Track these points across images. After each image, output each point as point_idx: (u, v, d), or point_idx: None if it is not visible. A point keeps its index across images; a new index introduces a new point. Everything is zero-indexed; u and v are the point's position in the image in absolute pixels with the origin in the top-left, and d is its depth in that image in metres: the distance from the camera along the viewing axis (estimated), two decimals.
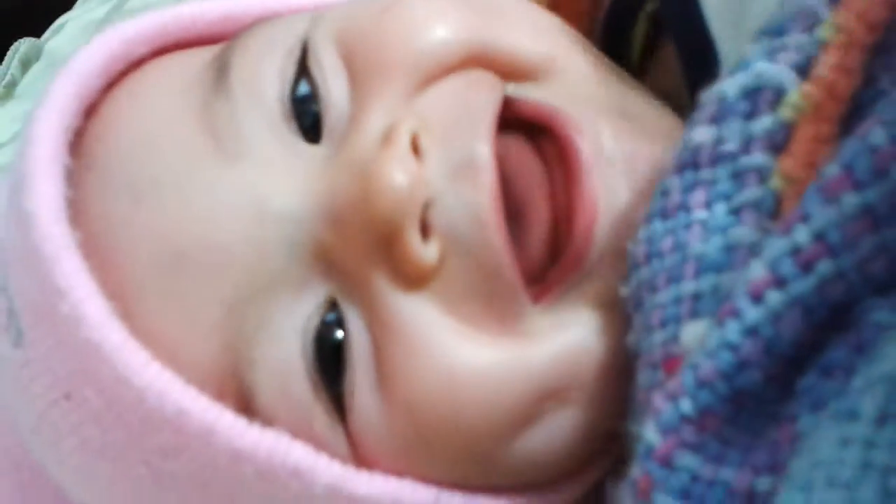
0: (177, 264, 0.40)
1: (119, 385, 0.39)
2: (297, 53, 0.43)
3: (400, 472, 0.40)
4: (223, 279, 0.39)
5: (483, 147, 0.39)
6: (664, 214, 0.37)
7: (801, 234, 0.30)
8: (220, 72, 0.42)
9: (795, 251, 0.30)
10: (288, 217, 0.39)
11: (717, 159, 0.37)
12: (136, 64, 0.45)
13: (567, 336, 0.39)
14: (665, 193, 0.38)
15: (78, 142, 0.43)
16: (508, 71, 0.42)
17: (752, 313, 0.31)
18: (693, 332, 0.34)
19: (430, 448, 0.39)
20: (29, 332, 0.41)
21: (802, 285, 0.30)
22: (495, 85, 0.41)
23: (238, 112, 0.41)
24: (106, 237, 0.40)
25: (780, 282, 0.30)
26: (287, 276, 0.40)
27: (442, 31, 0.42)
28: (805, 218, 0.30)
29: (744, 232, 0.35)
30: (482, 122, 0.40)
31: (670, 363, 0.35)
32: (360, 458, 0.40)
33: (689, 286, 0.36)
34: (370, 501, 0.39)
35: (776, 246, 0.31)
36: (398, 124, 0.39)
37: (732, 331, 0.32)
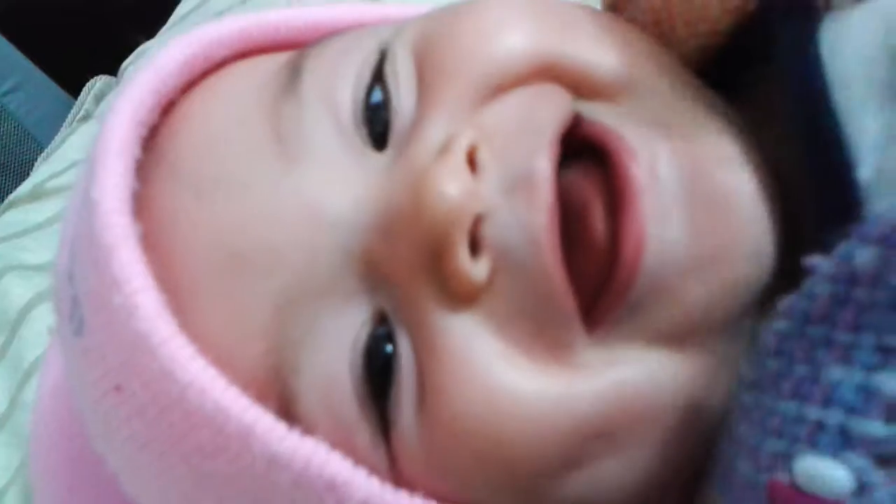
0: (231, 263, 0.39)
1: (163, 379, 0.38)
2: (373, 61, 0.40)
3: (438, 496, 0.39)
4: (273, 281, 0.38)
5: (543, 162, 0.37)
6: (806, 319, 0.35)
7: None
8: (293, 75, 0.41)
9: None
10: (340, 224, 0.38)
11: (878, 284, 0.34)
12: (217, 66, 0.44)
13: (619, 373, 0.38)
14: (812, 297, 0.35)
15: (152, 137, 0.41)
16: (580, 86, 0.40)
17: None
18: (806, 469, 0.34)
19: (469, 475, 0.39)
20: (89, 321, 0.40)
21: None
22: (563, 99, 0.39)
23: (305, 116, 0.40)
24: (167, 232, 0.40)
25: None
26: (337, 285, 0.39)
27: (513, 40, 0.40)
28: None
29: (888, 382, 0.33)
30: (544, 137, 0.38)
31: (776, 489, 0.35)
32: (399, 477, 0.39)
33: (814, 411, 0.34)
34: None
35: None
36: (457, 135, 0.38)
37: None
